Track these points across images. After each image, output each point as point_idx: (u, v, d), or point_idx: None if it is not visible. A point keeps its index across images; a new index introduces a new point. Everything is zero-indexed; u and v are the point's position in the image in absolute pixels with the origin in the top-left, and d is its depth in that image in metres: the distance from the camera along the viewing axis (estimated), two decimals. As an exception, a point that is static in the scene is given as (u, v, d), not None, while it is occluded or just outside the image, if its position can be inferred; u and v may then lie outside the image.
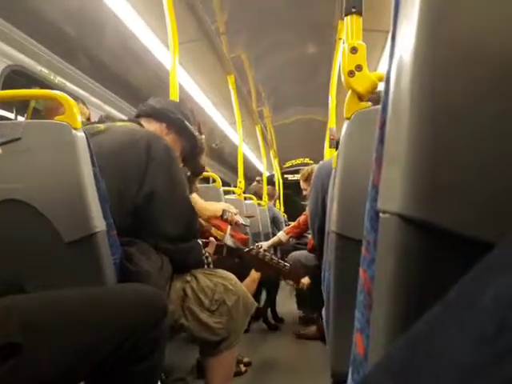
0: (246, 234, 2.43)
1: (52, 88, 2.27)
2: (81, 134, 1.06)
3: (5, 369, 0.70)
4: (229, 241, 1.60)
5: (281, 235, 3.34)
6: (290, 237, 3.38)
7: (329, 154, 2.74)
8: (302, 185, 3.20)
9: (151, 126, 1.49)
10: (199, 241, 1.44)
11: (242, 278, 1.61)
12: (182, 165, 1.98)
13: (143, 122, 1.48)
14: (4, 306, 0.78)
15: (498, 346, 0.14)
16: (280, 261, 1.59)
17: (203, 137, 1.59)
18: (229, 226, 1.74)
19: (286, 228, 3.54)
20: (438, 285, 0.19)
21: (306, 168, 3.22)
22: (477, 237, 0.21)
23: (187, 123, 1.53)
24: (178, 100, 1.62)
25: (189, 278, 1.41)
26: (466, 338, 0.15)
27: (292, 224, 3.43)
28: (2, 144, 0.93)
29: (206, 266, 1.46)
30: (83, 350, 0.81)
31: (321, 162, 2.23)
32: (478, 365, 0.14)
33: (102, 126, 1.34)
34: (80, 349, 0.81)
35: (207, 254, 1.50)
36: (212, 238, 1.61)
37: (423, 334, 0.18)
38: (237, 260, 1.82)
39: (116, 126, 1.36)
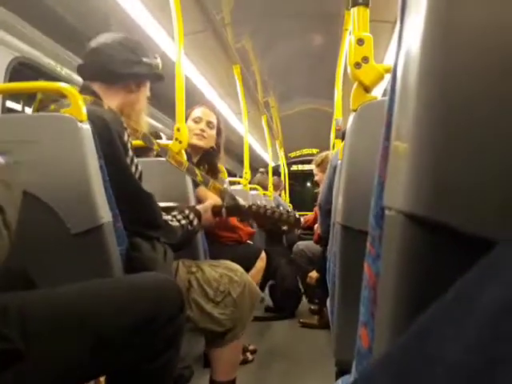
0: (252, 227, 2.43)
1: (59, 80, 2.27)
2: (86, 127, 1.06)
3: (9, 376, 0.67)
4: (228, 197, 1.54)
5: None
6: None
7: (335, 144, 2.72)
8: (315, 170, 3.21)
9: (113, 95, 1.27)
10: (166, 217, 1.32)
11: (246, 269, 1.61)
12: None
13: (101, 91, 1.24)
14: (3, 307, 0.74)
15: (491, 352, 0.14)
16: (283, 212, 1.51)
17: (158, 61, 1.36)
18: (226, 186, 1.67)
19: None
20: (442, 283, 0.19)
21: (320, 154, 3.24)
22: (484, 236, 0.20)
23: (146, 60, 1.31)
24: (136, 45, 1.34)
25: (194, 269, 1.42)
26: (461, 341, 0.15)
27: (308, 216, 3.50)
28: None
29: (189, 227, 1.36)
30: (92, 349, 0.77)
31: (336, 151, 2.23)
32: (470, 369, 0.14)
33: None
34: (88, 349, 0.77)
35: (191, 216, 1.39)
36: (210, 197, 1.53)
37: (419, 335, 0.18)
38: (238, 219, 1.74)
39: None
